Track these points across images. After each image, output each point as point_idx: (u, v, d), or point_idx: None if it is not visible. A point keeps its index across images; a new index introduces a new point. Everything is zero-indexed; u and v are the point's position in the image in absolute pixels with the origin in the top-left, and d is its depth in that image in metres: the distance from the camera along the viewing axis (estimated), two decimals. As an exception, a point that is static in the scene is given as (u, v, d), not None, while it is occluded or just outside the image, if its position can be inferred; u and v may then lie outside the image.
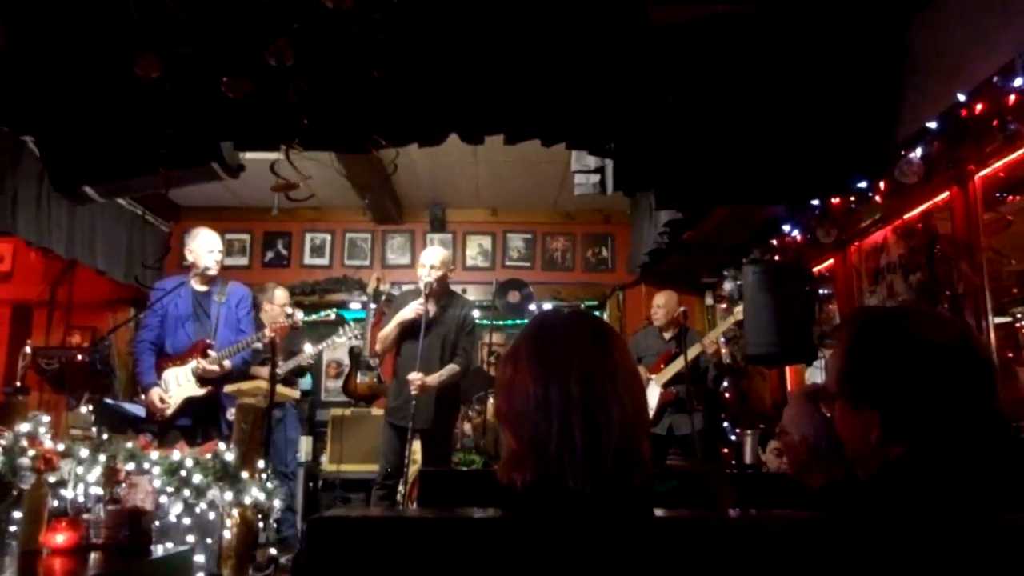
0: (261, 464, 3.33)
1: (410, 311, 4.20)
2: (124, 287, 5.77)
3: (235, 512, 3.10)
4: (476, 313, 4.73)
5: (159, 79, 2.77)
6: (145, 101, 2.92)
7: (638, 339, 5.28)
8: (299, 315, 4.69)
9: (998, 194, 3.04)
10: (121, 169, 3.26)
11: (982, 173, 3.07)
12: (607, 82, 3.10)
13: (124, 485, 2.86)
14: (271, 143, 3.13)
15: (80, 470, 2.96)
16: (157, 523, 2.87)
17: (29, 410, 3.29)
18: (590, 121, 3.21)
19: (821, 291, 4.52)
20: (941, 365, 1.11)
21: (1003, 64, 2.67)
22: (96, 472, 2.96)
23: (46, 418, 3.06)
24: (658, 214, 4.85)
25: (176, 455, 3.12)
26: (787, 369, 5.09)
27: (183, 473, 3.04)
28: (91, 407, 4.55)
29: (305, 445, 5.55)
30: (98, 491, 2.92)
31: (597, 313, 6.72)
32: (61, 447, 2.97)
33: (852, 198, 3.74)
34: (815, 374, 4.59)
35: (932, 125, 3.07)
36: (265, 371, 4.21)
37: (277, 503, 3.31)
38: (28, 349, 5.45)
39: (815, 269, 4.54)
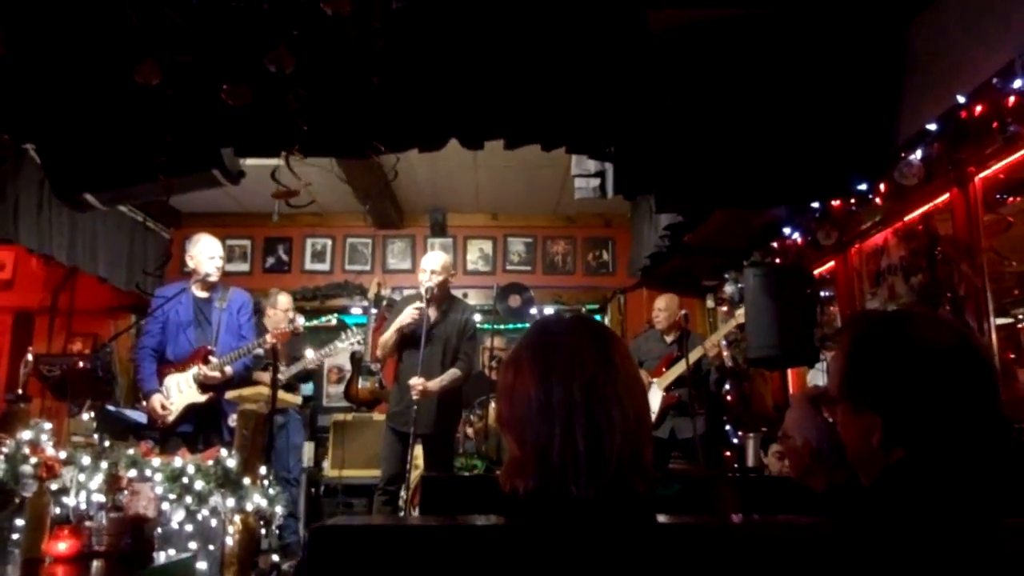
0: (263, 470, 3.32)
1: (407, 316, 4.20)
2: (125, 294, 5.78)
3: (237, 519, 3.09)
4: (477, 317, 4.73)
5: (159, 86, 2.78)
6: (146, 108, 2.93)
7: (639, 342, 5.28)
8: (300, 320, 4.69)
9: (998, 195, 3.04)
10: (122, 176, 3.27)
11: (982, 175, 3.07)
12: (606, 86, 3.10)
13: (126, 492, 2.86)
14: (271, 149, 3.14)
15: (82, 477, 2.96)
16: (159, 530, 2.87)
17: (31, 417, 3.30)
18: (590, 125, 3.22)
19: (822, 293, 4.51)
20: (942, 368, 1.11)
21: (1003, 65, 2.67)
22: (98, 479, 2.96)
23: (48, 425, 3.07)
24: (658, 217, 4.85)
25: (178, 462, 3.11)
26: (789, 372, 5.09)
27: (185, 480, 3.03)
28: (93, 414, 4.56)
29: (307, 451, 5.55)
30: (100, 498, 2.92)
31: (598, 317, 6.72)
32: (63, 454, 2.97)
33: (852, 200, 3.74)
34: (817, 376, 4.58)
35: (932, 127, 3.07)
36: (268, 377, 4.21)
37: (279, 509, 3.31)
38: (30, 356, 5.43)
39: (816, 271, 4.53)
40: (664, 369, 4.90)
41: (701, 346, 4.82)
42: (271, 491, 3.28)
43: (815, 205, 4.07)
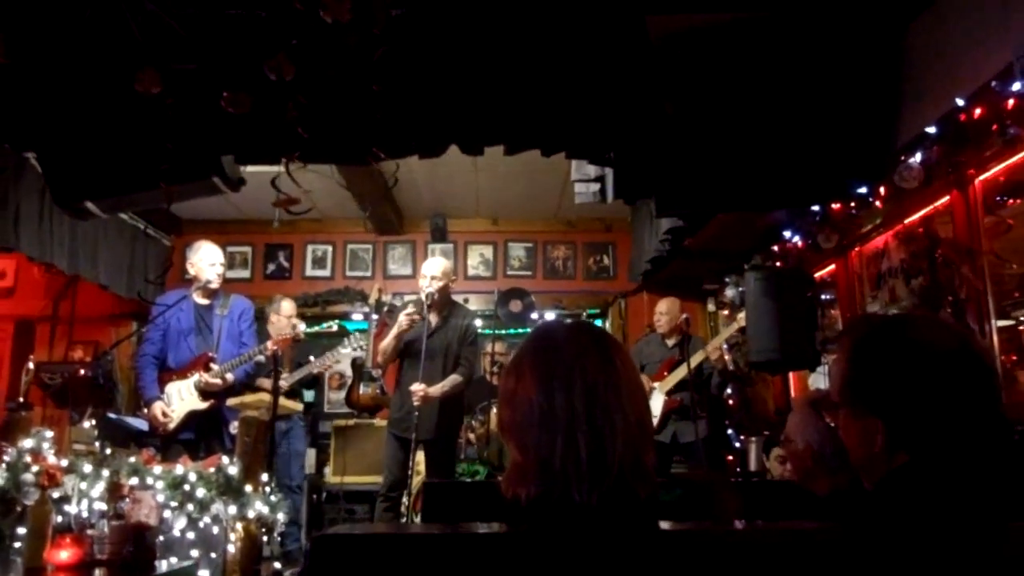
0: (265, 477, 3.32)
1: (404, 321, 4.20)
2: (126, 301, 5.78)
3: (239, 526, 3.09)
4: (478, 323, 4.73)
5: (160, 94, 2.79)
6: (146, 116, 2.94)
7: (641, 346, 5.27)
8: (301, 327, 4.69)
9: (998, 198, 3.04)
10: (123, 184, 3.28)
11: (982, 177, 3.07)
12: (606, 91, 3.11)
13: (128, 500, 2.86)
14: (272, 157, 3.14)
15: (84, 485, 2.96)
16: (161, 538, 2.86)
17: (32, 426, 3.30)
18: (589, 130, 3.22)
19: (823, 297, 4.51)
20: (944, 372, 1.11)
21: (1001, 68, 2.67)
22: (100, 487, 2.96)
23: (49, 433, 3.06)
24: (659, 221, 4.85)
25: (179, 469, 3.11)
26: (791, 375, 5.08)
27: (186, 487, 3.03)
28: (94, 422, 4.54)
29: (309, 457, 5.54)
30: (102, 506, 2.92)
31: (599, 321, 6.72)
32: (64, 462, 2.96)
33: (853, 204, 3.74)
34: (819, 380, 4.58)
35: (931, 130, 3.07)
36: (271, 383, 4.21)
37: (281, 517, 3.30)
38: (31, 364, 5.45)
39: (817, 275, 4.54)
40: (666, 373, 4.90)
41: (703, 350, 4.82)
42: (273, 498, 3.27)
43: (815, 208, 4.08)
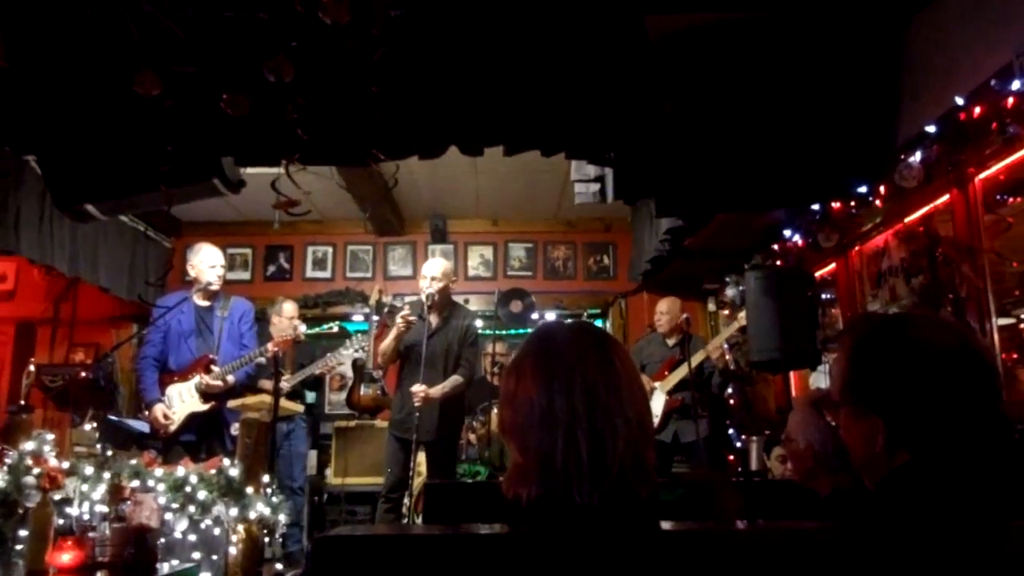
0: (266, 479, 3.32)
1: (400, 324, 4.20)
2: (127, 304, 5.79)
3: (240, 528, 3.08)
4: (479, 323, 4.73)
5: (159, 97, 2.79)
6: (146, 119, 2.94)
7: (641, 346, 5.27)
8: (302, 328, 4.69)
9: (998, 196, 3.04)
10: (123, 186, 3.28)
11: (982, 176, 3.07)
12: (605, 91, 3.11)
13: (129, 502, 2.86)
14: (271, 158, 3.15)
15: (85, 488, 2.96)
16: (162, 540, 2.86)
17: (33, 428, 3.29)
18: (589, 131, 3.22)
19: (823, 296, 4.51)
20: (944, 371, 1.11)
21: (1001, 66, 2.67)
22: (101, 490, 2.96)
23: (50, 436, 3.06)
24: (659, 221, 4.85)
25: (180, 471, 3.11)
26: (791, 374, 5.08)
27: (188, 489, 3.03)
28: (95, 424, 4.55)
29: (310, 459, 5.54)
30: (103, 509, 2.92)
31: (600, 321, 6.72)
32: (66, 465, 2.96)
33: (853, 202, 3.74)
34: (819, 379, 4.58)
35: (931, 128, 3.07)
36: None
37: (282, 518, 3.30)
38: (32, 367, 5.45)
39: (817, 274, 4.53)
40: (667, 373, 4.90)
41: (703, 349, 4.82)
42: (274, 500, 3.28)
43: (815, 207, 4.08)
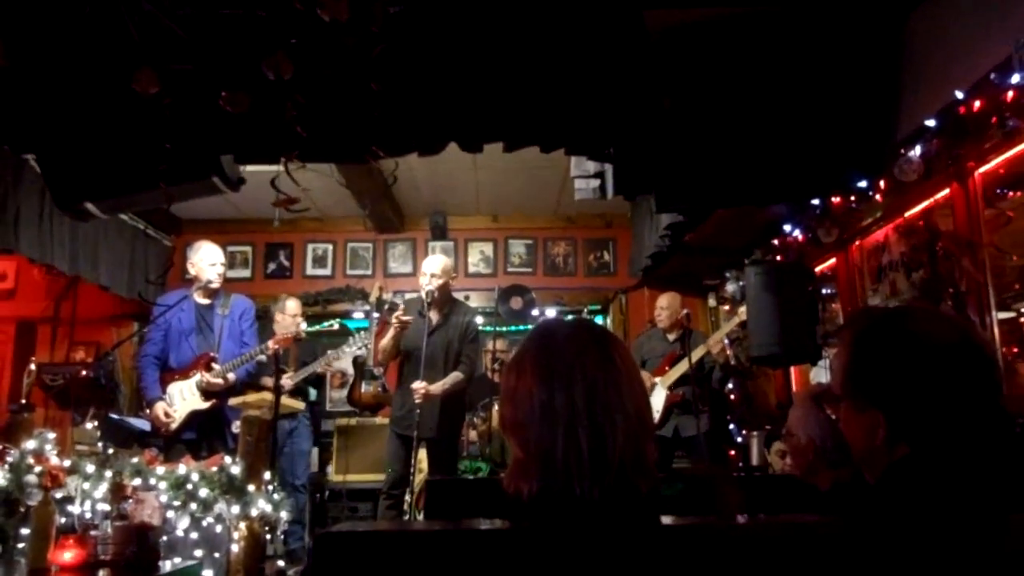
0: (267, 476, 3.33)
1: (396, 324, 4.20)
2: (127, 302, 5.79)
3: (242, 525, 3.09)
4: (479, 320, 4.73)
5: (158, 95, 2.78)
6: (145, 117, 2.94)
7: (642, 341, 5.27)
8: (303, 325, 4.69)
9: (998, 190, 3.04)
10: (122, 185, 3.28)
11: (982, 169, 3.07)
12: (604, 87, 3.11)
13: (131, 500, 2.86)
14: (271, 156, 3.14)
15: (87, 486, 2.96)
16: (164, 538, 2.87)
17: (35, 427, 3.30)
18: (588, 127, 3.22)
19: (824, 290, 4.51)
20: (945, 364, 1.11)
21: (1001, 60, 2.67)
22: (103, 488, 2.96)
23: (52, 435, 3.06)
24: (659, 217, 4.85)
25: (182, 469, 3.11)
26: (792, 369, 5.08)
27: (189, 487, 3.03)
28: (96, 423, 4.55)
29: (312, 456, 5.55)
30: (105, 507, 2.92)
31: (600, 317, 6.72)
32: (67, 463, 2.97)
33: (852, 197, 3.74)
34: (820, 374, 4.58)
35: (931, 123, 3.07)
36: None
37: (284, 515, 3.31)
38: (33, 366, 5.45)
39: (817, 269, 4.54)
40: (667, 368, 4.90)
41: (704, 344, 4.82)
42: (275, 497, 3.28)
43: (815, 202, 4.07)
